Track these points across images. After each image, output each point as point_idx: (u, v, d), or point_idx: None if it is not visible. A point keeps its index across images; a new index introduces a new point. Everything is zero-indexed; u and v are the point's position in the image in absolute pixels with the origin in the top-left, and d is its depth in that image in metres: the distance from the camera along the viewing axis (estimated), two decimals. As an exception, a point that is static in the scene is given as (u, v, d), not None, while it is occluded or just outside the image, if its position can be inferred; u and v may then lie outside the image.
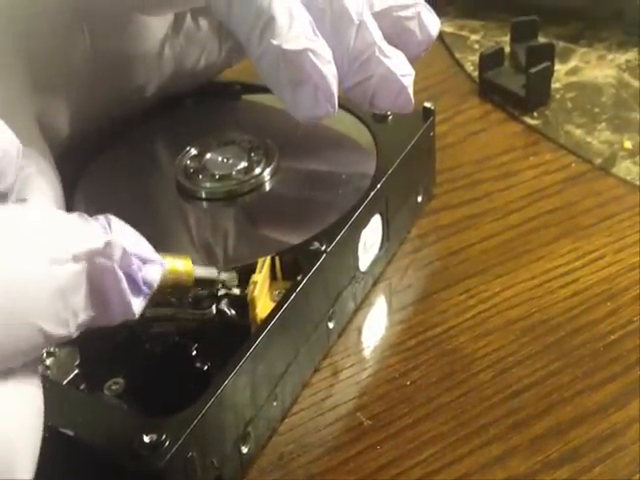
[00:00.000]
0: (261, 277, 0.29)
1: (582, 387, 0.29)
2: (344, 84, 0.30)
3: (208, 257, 0.31)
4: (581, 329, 0.31)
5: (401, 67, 0.30)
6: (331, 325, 0.31)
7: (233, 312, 0.29)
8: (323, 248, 0.30)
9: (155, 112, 0.38)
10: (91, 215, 0.21)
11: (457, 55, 0.49)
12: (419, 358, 0.31)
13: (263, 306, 0.29)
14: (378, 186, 0.32)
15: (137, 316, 0.21)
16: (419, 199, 0.37)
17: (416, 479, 0.27)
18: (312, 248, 0.30)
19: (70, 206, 0.33)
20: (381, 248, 0.34)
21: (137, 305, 0.21)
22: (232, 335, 0.28)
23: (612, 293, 0.33)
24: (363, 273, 0.33)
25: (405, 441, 0.28)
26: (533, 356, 0.31)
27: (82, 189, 0.34)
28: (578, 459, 0.27)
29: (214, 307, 0.29)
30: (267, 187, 0.33)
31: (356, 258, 0.32)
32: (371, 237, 0.33)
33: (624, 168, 0.39)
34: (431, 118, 0.36)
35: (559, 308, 0.32)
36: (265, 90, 0.39)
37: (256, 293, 0.28)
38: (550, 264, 0.34)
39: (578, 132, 0.42)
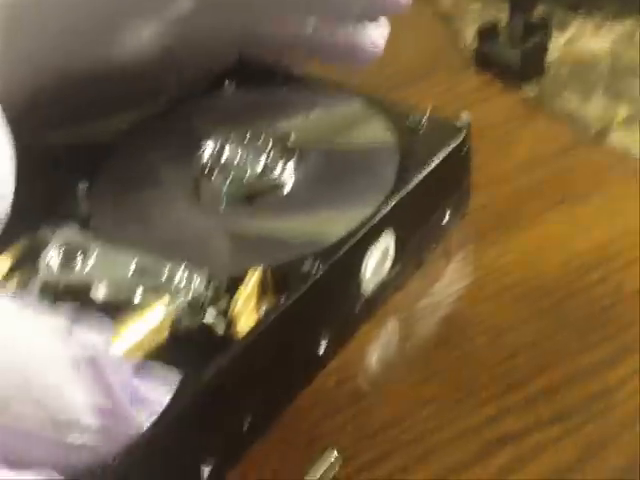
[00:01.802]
0: (246, 292, 0.27)
1: (576, 348, 0.30)
2: None
3: (199, 264, 0.29)
4: (576, 293, 0.32)
5: None
6: (320, 351, 0.30)
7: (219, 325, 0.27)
8: (314, 270, 0.28)
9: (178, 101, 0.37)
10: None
11: (454, 26, 0.49)
12: (417, 323, 0.32)
13: (246, 321, 0.27)
14: (391, 203, 0.30)
15: None
16: (444, 220, 0.34)
17: (413, 438, 0.28)
18: (303, 268, 0.28)
19: (86, 201, 0.32)
20: (391, 270, 0.32)
21: None
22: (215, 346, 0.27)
23: (607, 258, 0.34)
24: (366, 295, 0.31)
25: (404, 401, 0.29)
26: (527, 320, 0.31)
27: (99, 180, 0.34)
28: (569, 417, 0.28)
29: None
30: (278, 192, 0.32)
31: (359, 279, 0.30)
32: (380, 257, 0.31)
33: (618, 137, 0.40)
34: (464, 133, 0.33)
35: (554, 273, 0.33)
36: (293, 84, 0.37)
37: (237, 310, 0.27)
38: (545, 231, 0.35)
39: (573, 102, 0.42)
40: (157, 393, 0.22)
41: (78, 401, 0.20)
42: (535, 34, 0.45)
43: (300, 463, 0.28)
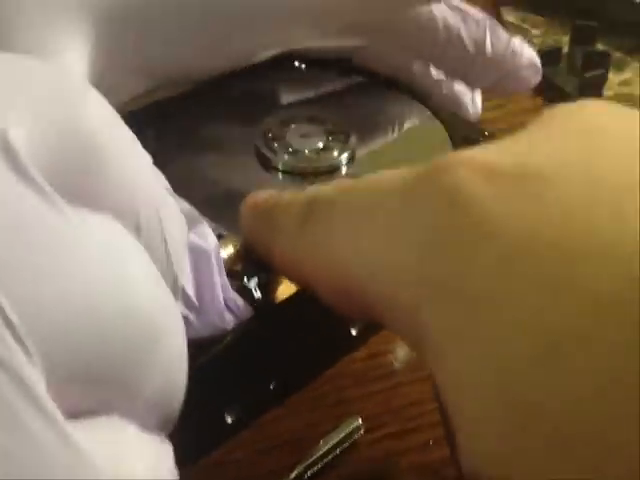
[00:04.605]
0: None
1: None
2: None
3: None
4: None
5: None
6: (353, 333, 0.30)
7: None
8: None
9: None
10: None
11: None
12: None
13: (284, 290, 0.27)
14: None
15: None
16: None
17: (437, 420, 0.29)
18: None
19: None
20: None
21: None
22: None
23: None
24: None
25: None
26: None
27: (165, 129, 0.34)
28: None
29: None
30: (333, 175, 0.33)
31: None
32: None
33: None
34: None
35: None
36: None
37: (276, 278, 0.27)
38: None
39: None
40: (244, 307, 0.23)
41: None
42: (594, 67, 0.46)
43: (322, 424, 0.29)
